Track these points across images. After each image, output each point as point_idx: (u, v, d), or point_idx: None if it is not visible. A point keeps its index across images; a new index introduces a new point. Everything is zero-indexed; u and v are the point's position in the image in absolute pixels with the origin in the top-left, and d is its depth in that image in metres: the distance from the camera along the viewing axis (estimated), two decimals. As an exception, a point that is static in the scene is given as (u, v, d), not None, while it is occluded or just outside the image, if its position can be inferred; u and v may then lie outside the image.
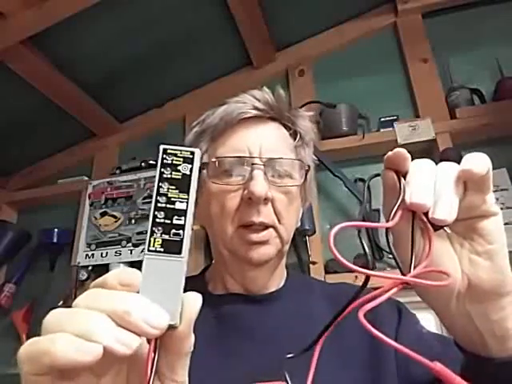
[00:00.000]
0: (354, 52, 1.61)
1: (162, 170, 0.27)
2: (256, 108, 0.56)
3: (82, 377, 0.25)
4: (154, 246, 0.26)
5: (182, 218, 0.27)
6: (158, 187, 0.27)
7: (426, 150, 1.37)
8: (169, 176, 0.27)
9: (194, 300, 0.26)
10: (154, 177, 0.28)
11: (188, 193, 0.27)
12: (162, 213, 0.27)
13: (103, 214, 1.64)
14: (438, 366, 0.26)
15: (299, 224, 0.61)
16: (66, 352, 0.22)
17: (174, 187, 0.27)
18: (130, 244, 1.55)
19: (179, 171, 0.28)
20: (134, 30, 1.43)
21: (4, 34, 1.24)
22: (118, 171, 1.72)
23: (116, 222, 1.61)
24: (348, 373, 0.50)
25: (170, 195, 0.27)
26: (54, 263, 1.67)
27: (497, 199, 1.26)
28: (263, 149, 0.54)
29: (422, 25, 1.55)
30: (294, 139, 0.59)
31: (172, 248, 0.26)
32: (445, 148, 1.25)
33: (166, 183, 0.27)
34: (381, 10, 1.63)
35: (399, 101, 1.48)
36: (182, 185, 0.27)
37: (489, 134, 1.31)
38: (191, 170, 0.28)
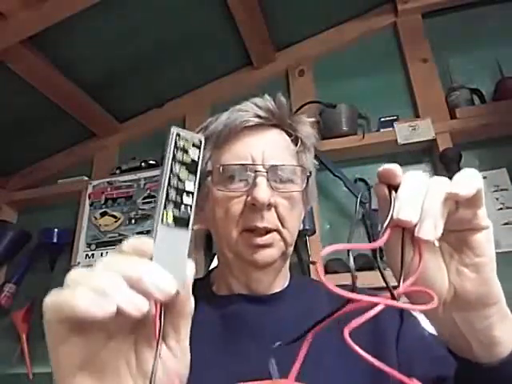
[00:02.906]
0: (353, 52, 1.61)
1: (175, 151, 0.30)
2: (258, 116, 0.57)
3: (95, 333, 0.27)
4: (166, 219, 0.29)
5: (190, 197, 0.30)
6: (171, 167, 0.30)
7: (426, 150, 1.37)
8: (180, 158, 0.30)
9: (191, 269, 0.30)
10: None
11: (196, 175, 0.31)
12: (174, 191, 0.30)
13: (103, 214, 1.64)
14: (414, 382, 0.26)
15: (301, 226, 0.62)
16: (83, 305, 0.24)
17: (184, 168, 0.30)
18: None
19: (189, 155, 0.31)
20: (133, 30, 1.43)
21: (4, 34, 1.24)
22: (118, 171, 1.72)
23: (116, 221, 1.61)
24: (350, 371, 0.50)
25: (181, 176, 0.30)
26: (53, 263, 1.67)
27: (497, 199, 1.26)
28: (266, 156, 0.55)
29: (422, 25, 1.55)
30: (296, 145, 0.60)
31: (181, 223, 0.30)
32: (445, 148, 1.25)
33: (178, 164, 0.30)
34: (381, 10, 1.63)
35: (399, 101, 1.48)
36: (191, 168, 0.31)
37: (489, 134, 1.31)
38: (199, 157, 0.31)
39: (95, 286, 0.25)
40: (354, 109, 1.46)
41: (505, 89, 1.33)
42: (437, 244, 0.36)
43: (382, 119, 1.42)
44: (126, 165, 1.72)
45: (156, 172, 1.63)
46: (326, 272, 1.25)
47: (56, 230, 1.65)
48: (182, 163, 0.30)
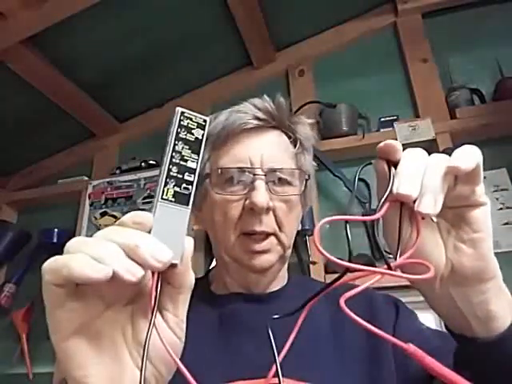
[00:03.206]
0: (353, 52, 1.62)
1: (179, 130, 0.30)
2: (257, 118, 0.56)
3: (92, 299, 0.28)
4: (167, 195, 0.29)
5: (192, 175, 0.31)
6: (174, 144, 0.30)
7: (426, 150, 1.36)
8: (184, 137, 0.30)
9: (189, 243, 0.31)
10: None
11: (199, 154, 0.31)
12: (176, 168, 0.30)
13: (103, 214, 1.64)
14: (411, 347, 0.27)
15: (300, 226, 0.62)
16: (80, 267, 0.25)
17: (187, 147, 0.31)
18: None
19: (193, 134, 0.31)
20: (133, 30, 1.43)
21: (4, 34, 1.24)
22: (118, 171, 1.72)
23: (116, 221, 1.61)
24: (346, 368, 0.50)
25: (183, 153, 0.30)
26: (54, 263, 1.67)
27: (497, 199, 1.26)
28: (264, 159, 0.55)
29: (422, 25, 1.55)
30: (295, 146, 0.60)
31: (181, 199, 0.30)
32: (445, 148, 1.25)
33: (181, 142, 0.30)
34: (381, 10, 1.63)
35: (399, 101, 1.48)
36: (194, 146, 0.31)
37: (489, 134, 1.31)
38: (202, 136, 0.31)
39: (93, 253, 0.26)
40: (354, 109, 1.46)
41: (505, 89, 1.33)
42: (435, 220, 0.36)
43: (382, 119, 1.42)
44: (126, 165, 1.72)
45: (156, 172, 1.63)
46: (326, 272, 1.25)
47: (56, 230, 1.65)
48: (186, 142, 0.30)
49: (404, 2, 1.56)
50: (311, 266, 1.28)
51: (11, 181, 1.96)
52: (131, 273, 0.26)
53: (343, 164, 1.41)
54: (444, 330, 0.41)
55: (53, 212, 1.81)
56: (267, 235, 0.54)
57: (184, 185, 0.30)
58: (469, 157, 0.31)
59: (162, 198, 0.29)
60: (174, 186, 0.30)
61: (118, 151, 1.87)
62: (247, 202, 0.53)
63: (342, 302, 0.27)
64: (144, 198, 1.61)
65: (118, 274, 0.26)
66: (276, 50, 1.71)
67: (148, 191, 1.62)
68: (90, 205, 1.68)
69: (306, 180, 0.58)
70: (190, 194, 0.30)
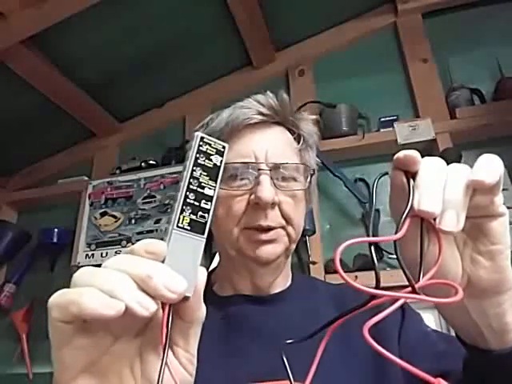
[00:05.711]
0: (353, 52, 1.61)
1: (197, 155, 0.30)
2: (261, 113, 0.56)
3: (101, 334, 0.27)
4: (182, 223, 0.28)
5: (209, 203, 0.30)
6: (192, 170, 0.29)
7: (426, 150, 1.37)
8: (202, 163, 0.30)
9: (203, 274, 0.29)
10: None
11: (216, 182, 0.30)
12: (193, 194, 0.29)
13: (103, 214, 1.64)
14: (441, 382, 0.26)
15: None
16: (91, 304, 0.24)
17: (205, 174, 0.30)
18: (129, 244, 1.54)
19: (211, 160, 0.30)
20: (134, 30, 1.43)
21: (4, 34, 1.24)
22: (117, 171, 1.72)
23: (116, 222, 1.61)
24: (353, 372, 0.50)
25: (201, 180, 0.30)
26: (54, 263, 1.67)
27: (497, 199, 1.26)
28: (269, 154, 0.54)
29: (422, 25, 1.55)
30: (298, 143, 0.60)
31: (197, 228, 0.29)
32: (445, 148, 1.26)
33: (200, 169, 0.30)
34: (381, 10, 1.63)
35: (399, 101, 1.48)
36: (212, 173, 0.30)
37: (489, 134, 1.31)
38: (221, 162, 0.31)
39: (103, 286, 0.25)
40: (354, 109, 1.46)
41: (505, 89, 1.33)
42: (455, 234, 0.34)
43: (382, 119, 1.42)
44: (126, 165, 1.72)
45: (156, 172, 1.63)
46: (326, 272, 1.25)
47: (56, 230, 1.65)
48: (204, 168, 0.30)
49: (404, 1, 1.56)
50: (311, 265, 1.28)
51: (11, 181, 1.96)
52: (144, 307, 0.25)
53: (343, 164, 1.41)
54: (446, 332, 0.41)
55: (53, 212, 1.81)
56: (273, 229, 0.53)
57: (200, 213, 0.29)
58: (492, 169, 0.29)
59: (177, 226, 0.28)
60: (191, 213, 0.29)
61: (118, 151, 1.87)
62: (252, 196, 0.52)
63: (365, 331, 0.26)
64: (144, 198, 1.61)
65: (131, 308, 0.24)
66: (276, 50, 1.71)
67: (148, 191, 1.62)
68: (90, 205, 1.68)
69: (311, 175, 0.58)
70: (206, 222, 0.29)
